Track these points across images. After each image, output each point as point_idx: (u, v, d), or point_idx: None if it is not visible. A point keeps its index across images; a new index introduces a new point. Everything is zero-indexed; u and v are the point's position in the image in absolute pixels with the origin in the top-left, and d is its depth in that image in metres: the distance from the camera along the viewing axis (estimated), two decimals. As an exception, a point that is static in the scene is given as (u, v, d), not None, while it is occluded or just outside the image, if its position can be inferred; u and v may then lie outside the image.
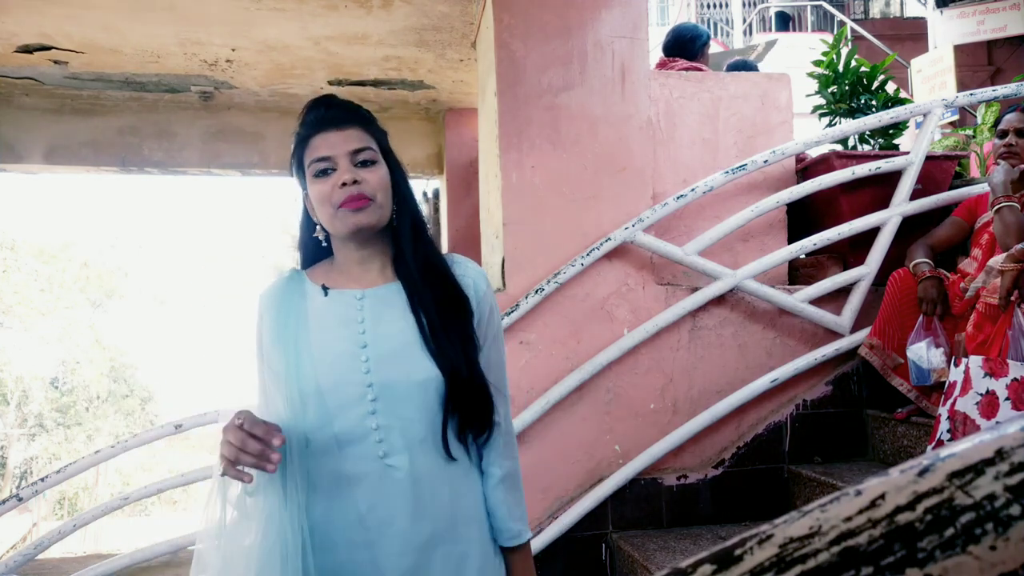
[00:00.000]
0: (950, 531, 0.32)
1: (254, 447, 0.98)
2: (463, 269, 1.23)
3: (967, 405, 2.11)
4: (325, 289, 1.19)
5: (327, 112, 1.18)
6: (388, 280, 1.20)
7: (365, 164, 1.16)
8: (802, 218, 3.06)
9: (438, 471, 1.14)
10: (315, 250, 1.25)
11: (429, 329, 1.14)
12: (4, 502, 2.51)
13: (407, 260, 1.18)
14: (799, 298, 2.76)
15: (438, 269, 1.20)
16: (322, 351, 1.13)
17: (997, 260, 2.22)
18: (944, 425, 2.16)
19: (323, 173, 1.15)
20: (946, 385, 2.25)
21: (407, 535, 1.11)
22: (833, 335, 2.80)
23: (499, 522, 1.22)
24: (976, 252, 2.52)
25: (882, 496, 0.34)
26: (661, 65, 3.31)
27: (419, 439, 1.12)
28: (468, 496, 1.18)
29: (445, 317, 1.16)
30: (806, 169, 3.05)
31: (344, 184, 1.12)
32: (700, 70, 3.22)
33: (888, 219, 2.81)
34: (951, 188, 2.97)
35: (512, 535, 1.22)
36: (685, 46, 3.38)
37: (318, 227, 1.20)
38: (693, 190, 2.71)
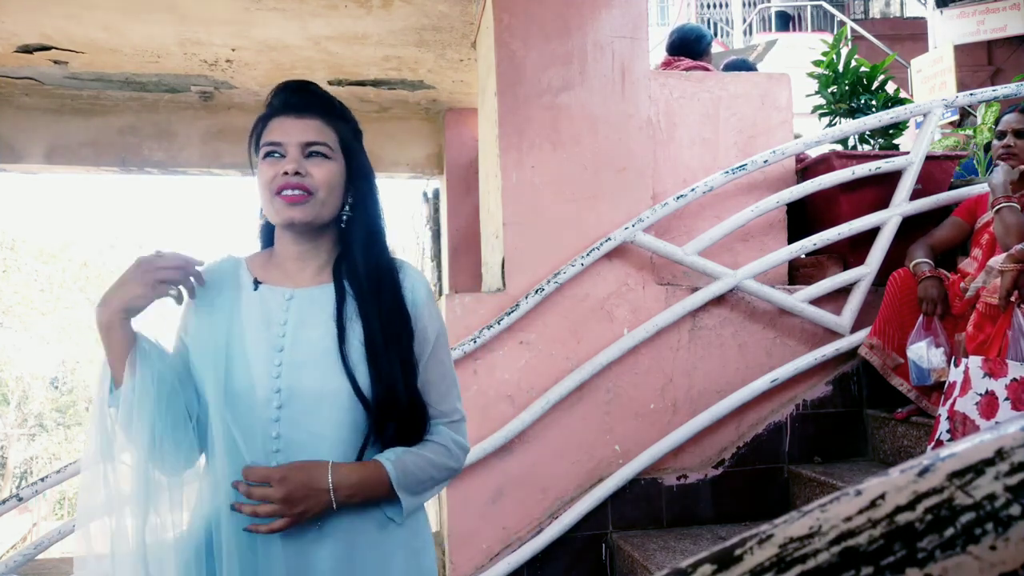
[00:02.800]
0: (950, 531, 0.32)
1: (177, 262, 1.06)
2: (402, 276, 1.18)
3: (967, 405, 2.11)
4: (256, 283, 1.15)
5: (292, 98, 1.15)
6: (322, 281, 1.15)
7: (316, 156, 1.12)
8: (802, 218, 3.06)
9: None
10: (266, 236, 1.22)
11: (369, 345, 1.09)
12: (4, 502, 2.50)
13: (356, 267, 1.14)
14: (799, 298, 2.76)
15: (387, 281, 1.15)
16: (239, 349, 1.09)
17: (997, 260, 2.22)
18: (944, 425, 2.16)
19: (270, 156, 1.12)
20: (946, 385, 2.25)
21: (303, 552, 1.06)
22: (833, 335, 2.80)
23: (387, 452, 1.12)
24: (976, 252, 2.53)
25: (882, 496, 0.34)
26: (666, 64, 3.32)
27: (319, 455, 1.07)
28: (378, 528, 1.12)
29: (387, 334, 1.11)
30: (806, 169, 3.05)
31: (286, 173, 1.09)
32: (705, 69, 3.22)
33: (888, 219, 2.81)
34: (951, 188, 2.97)
35: (386, 458, 1.11)
36: (690, 46, 3.38)
37: (261, 210, 1.17)
38: (693, 190, 2.71)
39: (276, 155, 1.12)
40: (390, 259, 1.18)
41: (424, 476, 1.13)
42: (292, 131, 1.12)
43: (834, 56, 3.24)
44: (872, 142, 3.19)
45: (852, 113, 3.21)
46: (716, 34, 12.60)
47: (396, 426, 1.11)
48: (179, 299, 1.09)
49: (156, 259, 1.05)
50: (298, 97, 1.15)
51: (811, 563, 0.33)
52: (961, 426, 2.12)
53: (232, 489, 1.05)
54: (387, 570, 1.11)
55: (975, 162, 3.32)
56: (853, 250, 2.89)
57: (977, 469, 0.33)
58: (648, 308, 2.70)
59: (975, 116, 3.51)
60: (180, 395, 1.08)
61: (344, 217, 1.16)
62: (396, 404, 1.09)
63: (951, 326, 2.46)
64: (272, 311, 1.12)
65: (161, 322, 1.18)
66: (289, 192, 1.09)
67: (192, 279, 1.09)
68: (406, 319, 1.14)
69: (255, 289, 1.14)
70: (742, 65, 3.71)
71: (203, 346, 1.10)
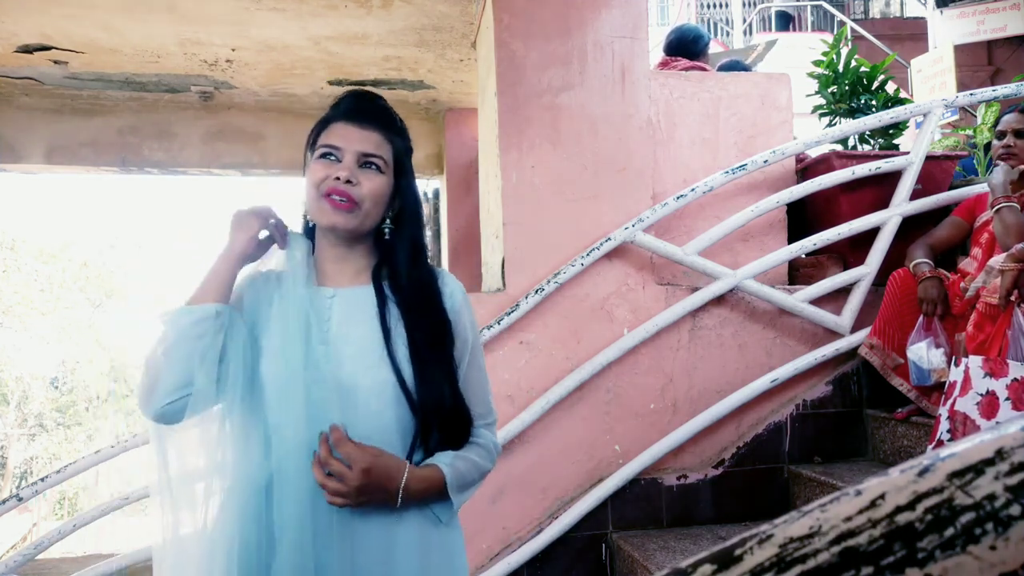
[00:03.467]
0: (950, 531, 0.32)
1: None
2: (441, 284, 1.22)
3: (967, 405, 2.11)
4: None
5: (359, 105, 1.19)
6: (361, 283, 1.19)
7: (369, 168, 1.16)
8: (802, 218, 3.06)
9: None
10: (309, 237, 1.25)
11: (414, 350, 1.13)
12: (4, 502, 2.50)
13: (401, 279, 1.18)
14: (799, 298, 2.76)
15: (429, 292, 1.19)
16: (287, 342, 1.11)
17: (997, 260, 2.22)
18: (944, 425, 2.16)
19: (326, 157, 1.16)
20: (946, 385, 2.25)
21: (339, 544, 1.07)
22: (833, 335, 2.80)
23: (436, 456, 1.15)
24: (976, 252, 2.53)
25: (882, 496, 0.34)
26: (663, 64, 3.32)
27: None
28: (420, 520, 1.13)
29: (432, 341, 1.15)
30: (806, 169, 3.05)
31: (338, 178, 1.13)
32: (703, 69, 3.23)
33: (888, 219, 2.81)
34: (951, 188, 2.97)
35: (443, 462, 1.14)
36: (687, 46, 3.39)
37: (307, 208, 1.21)
38: (693, 190, 2.71)
39: (332, 158, 1.16)
40: (431, 270, 1.23)
41: (470, 479, 1.18)
42: (352, 139, 1.16)
43: (834, 56, 3.24)
44: (872, 142, 3.19)
45: (852, 113, 3.21)
46: (716, 34, 12.60)
47: (442, 429, 1.15)
48: (282, 243, 1.18)
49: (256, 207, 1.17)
50: (365, 107, 1.19)
51: (811, 563, 0.33)
52: (961, 426, 2.12)
53: (274, 476, 1.07)
54: (426, 568, 1.13)
55: (975, 162, 3.32)
56: (853, 250, 2.89)
57: (977, 469, 0.33)
58: (648, 308, 2.70)
59: (975, 116, 3.51)
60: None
61: (386, 229, 1.20)
62: (441, 406, 1.13)
63: (951, 326, 2.46)
64: (317, 307, 1.16)
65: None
66: (337, 198, 1.13)
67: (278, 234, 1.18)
68: (448, 327, 1.18)
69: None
70: (736, 66, 3.72)
71: (252, 339, 1.13)
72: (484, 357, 1.29)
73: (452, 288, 1.22)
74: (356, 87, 1.26)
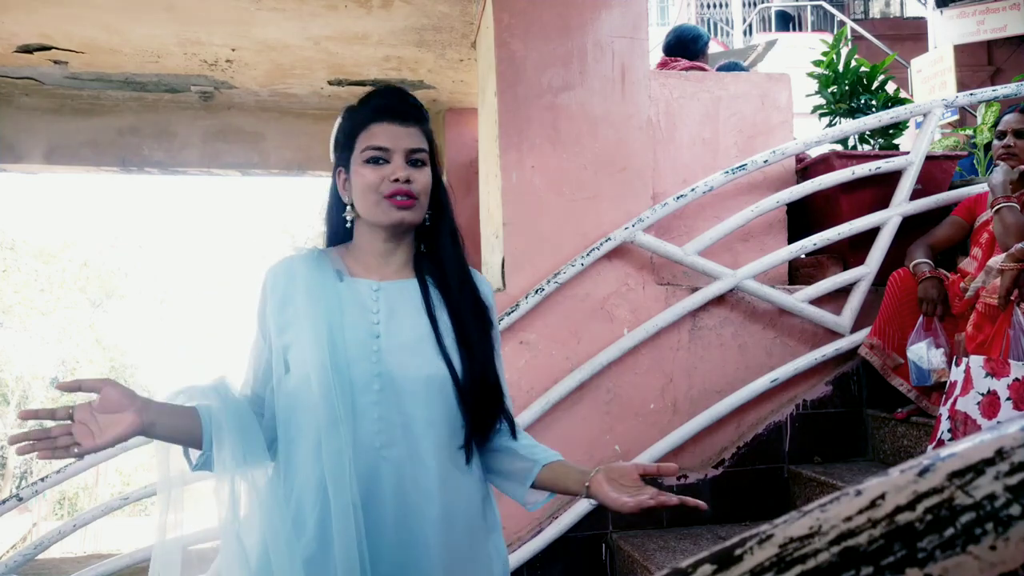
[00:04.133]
0: (950, 531, 0.32)
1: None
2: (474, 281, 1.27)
3: (968, 405, 2.11)
4: (340, 274, 1.19)
5: (395, 103, 1.20)
6: (405, 276, 1.21)
7: (417, 164, 1.18)
8: (802, 218, 3.06)
9: (435, 471, 1.12)
10: (339, 230, 1.26)
11: (462, 336, 1.16)
12: (4, 502, 2.50)
13: (445, 266, 1.21)
14: (799, 298, 2.76)
15: (469, 279, 1.23)
16: (338, 336, 1.12)
17: (997, 260, 2.22)
18: (945, 425, 2.16)
19: (375, 161, 1.17)
20: (946, 385, 2.25)
21: (397, 531, 1.09)
22: (833, 335, 2.80)
23: (539, 453, 1.21)
24: (976, 251, 2.53)
25: (882, 496, 0.34)
26: (663, 64, 3.32)
27: (418, 435, 1.11)
28: (471, 507, 1.17)
29: (477, 326, 1.19)
30: (806, 169, 3.05)
31: (396, 180, 1.15)
32: (703, 69, 3.23)
33: (888, 219, 2.81)
34: (951, 188, 2.97)
35: (551, 455, 1.22)
36: (687, 46, 3.39)
37: (348, 208, 1.21)
38: (693, 190, 2.71)
39: (381, 161, 1.17)
40: (466, 259, 1.26)
41: None
42: (399, 137, 1.18)
43: (834, 56, 3.24)
44: (872, 142, 3.19)
45: (852, 113, 3.21)
46: (716, 34, 12.60)
47: (490, 420, 1.18)
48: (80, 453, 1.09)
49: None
50: (402, 104, 1.21)
51: (811, 563, 0.33)
52: (962, 425, 2.12)
53: (338, 474, 1.07)
54: (487, 553, 1.18)
55: (975, 162, 3.32)
56: (853, 250, 2.89)
57: (977, 469, 0.33)
58: (648, 308, 2.70)
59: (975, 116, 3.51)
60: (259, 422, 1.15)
61: (426, 218, 1.22)
62: (489, 389, 1.16)
63: (951, 326, 2.46)
64: (363, 300, 1.17)
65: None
66: (400, 198, 1.15)
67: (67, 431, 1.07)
68: (487, 313, 1.23)
69: (340, 280, 1.19)
70: (735, 68, 3.72)
71: (303, 335, 1.13)
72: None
73: (480, 283, 1.26)
74: (386, 85, 1.26)
